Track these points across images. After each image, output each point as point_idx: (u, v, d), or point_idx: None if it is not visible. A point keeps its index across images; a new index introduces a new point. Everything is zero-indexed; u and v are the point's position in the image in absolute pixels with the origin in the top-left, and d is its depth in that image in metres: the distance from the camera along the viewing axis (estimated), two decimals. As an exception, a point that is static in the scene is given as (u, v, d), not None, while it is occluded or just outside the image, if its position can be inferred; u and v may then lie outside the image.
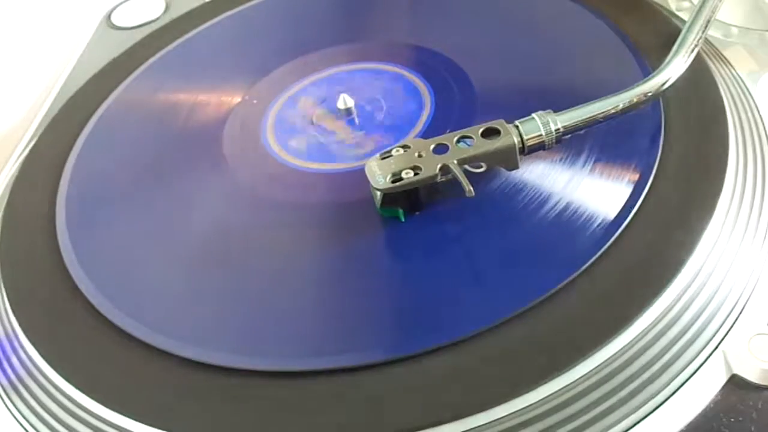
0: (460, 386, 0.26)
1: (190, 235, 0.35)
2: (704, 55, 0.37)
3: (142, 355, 0.30)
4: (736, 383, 0.27)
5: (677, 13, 0.42)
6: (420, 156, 0.32)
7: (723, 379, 0.27)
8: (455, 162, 0.31)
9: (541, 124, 0.32)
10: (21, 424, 0.31)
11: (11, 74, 0.55)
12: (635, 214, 0.30)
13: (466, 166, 0.32)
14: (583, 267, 0.29)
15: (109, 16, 0.57)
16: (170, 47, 0.49)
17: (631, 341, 0.27)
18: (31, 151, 0.44)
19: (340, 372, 0.27)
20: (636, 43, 0.38)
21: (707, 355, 0.27)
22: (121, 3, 0.58)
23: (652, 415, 0.26)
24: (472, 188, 0.30)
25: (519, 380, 0.26)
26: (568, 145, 0.33)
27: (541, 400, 0.26)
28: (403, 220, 0.33)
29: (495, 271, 0.30)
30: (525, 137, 0.32)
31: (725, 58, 0.39)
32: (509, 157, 0.32)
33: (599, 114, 0.32)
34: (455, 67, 0.41)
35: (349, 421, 0.26)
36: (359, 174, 0.33)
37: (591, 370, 0.26)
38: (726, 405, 0.26)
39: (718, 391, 0.26)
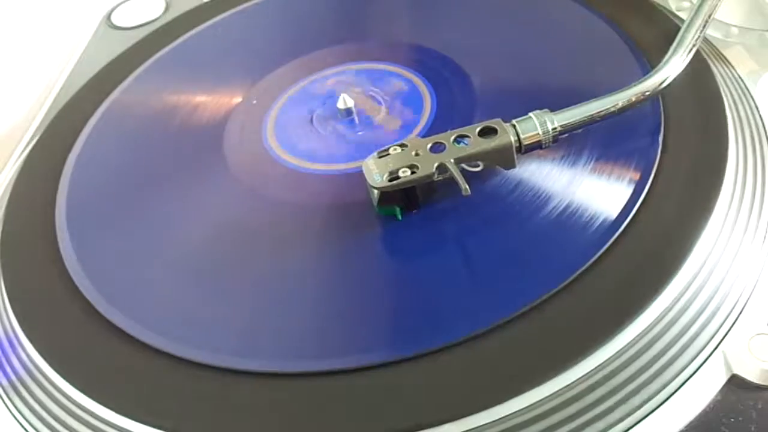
0: (460, 386, 0.26)
1: (190, 236, 0.35)
2: (704, 55, 0.37)
3: (142, 355, 0.30)
4: (736, 383, 0.27)
5: (677, 12, 0.42)
6: (417, 155, 0.32)
7: (723, 379, 0.27)
8: (452, 161, 0.31)
9: (538, 123, 0.32)
10: (21, 424, 0.31)
11: (11, 74, 0.55)
12: (635, 213, 0.30)
13: (463, 165, 0.32)
14: (583, 267, 0.29)
15: (109, 16, 0.57)
16: (170, 47, 0.49)
17: (631, 341, 0.27)
18: (31, 151, 0.44)
19: (340, 372, 0.27)
20: (636, 42, 0.38)
21: (707, 355, 0.27)
22: (121, 3, 0.58)
23: (652, 415, 0.26)
24: (468, 187, 0.30)
25: (518, 380, 0.26)
26: (568, 144, 0.33)
27: (541, 399, 0.26)
28: (400, 218, 0.33)
29: (494, 270, 0.30)
30: (522, 136, 0.32)
31: (725, 58, 0.39)
32: (506, 156, 0.32)
33: (597, 113, 0.32)
34: (455, 67, 0.41)
35: (349, 421, 0.26)
36: (359, 174, 0.33)
37: (591, 370, 0.26)
38: (726, 405, 0.26)
39: (718, 391, 0.26)
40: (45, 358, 0.31)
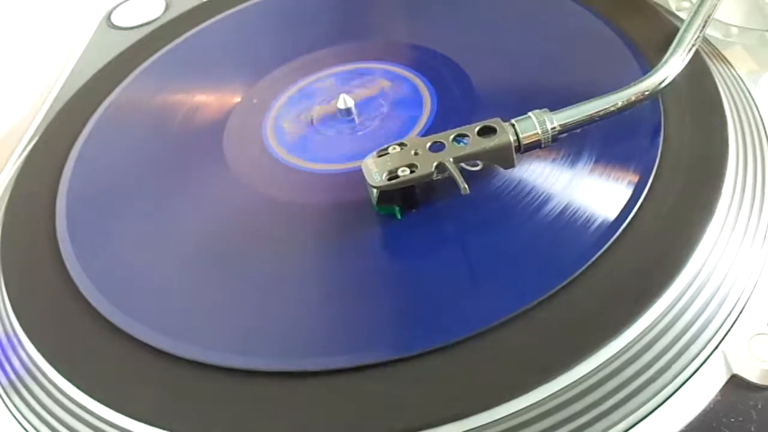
0: (460, 386, 0.26)
1: (190, 235, 0.35)
2: (704, 54, 0.37)
3: (143, 354, 0.30)
4: (736, 383, 0.27)
5: (677, 12, 0.42)
6: (416, 154, 0.32)
7: (723, 379, 0.27)
8: (451, 160, 0.31)
9: (537, 123, 0.32)
10: (21, 424, 0.31)
11: (11, 74, 0.55)
12: (635, 214, 0.30)
13: (463, 164, 0.32)
14: (583, 267, 0.29)
15: (109, 16, 0.57)
16: (170, 47, 0.49)
17: (631, 341, 0.27)
18: (31, 151, 0.44)
19: (340, 372, 0.27)
20: (636, 43, 0.38)
21: (707, 355, 0.27)
22: (121, 3, 0.58)
23: (652, 415, 0.26)
24: (467, 186, 0.30)
25: (519, 380, 0.26)
26: (568, 145, 0.33)
27: (541, 400, 0.26)
28: (399, 217, 0.33)
29: (493, 270, 0.30)
30: (521, 135, 0.32)
31: (725, 58, 0.39)
32: (505, 156, 0.32)
33: (596, 112, 0.32)
34: (455, 67, 0.41)
35: (348, 420, 0.26)
36: (358, 173, 0.33)
37: (591, 370, 0.26)
38: (726, 405, 0.26)
39: (718, 391, 0.26)
40: (45, 358, 0.31)
